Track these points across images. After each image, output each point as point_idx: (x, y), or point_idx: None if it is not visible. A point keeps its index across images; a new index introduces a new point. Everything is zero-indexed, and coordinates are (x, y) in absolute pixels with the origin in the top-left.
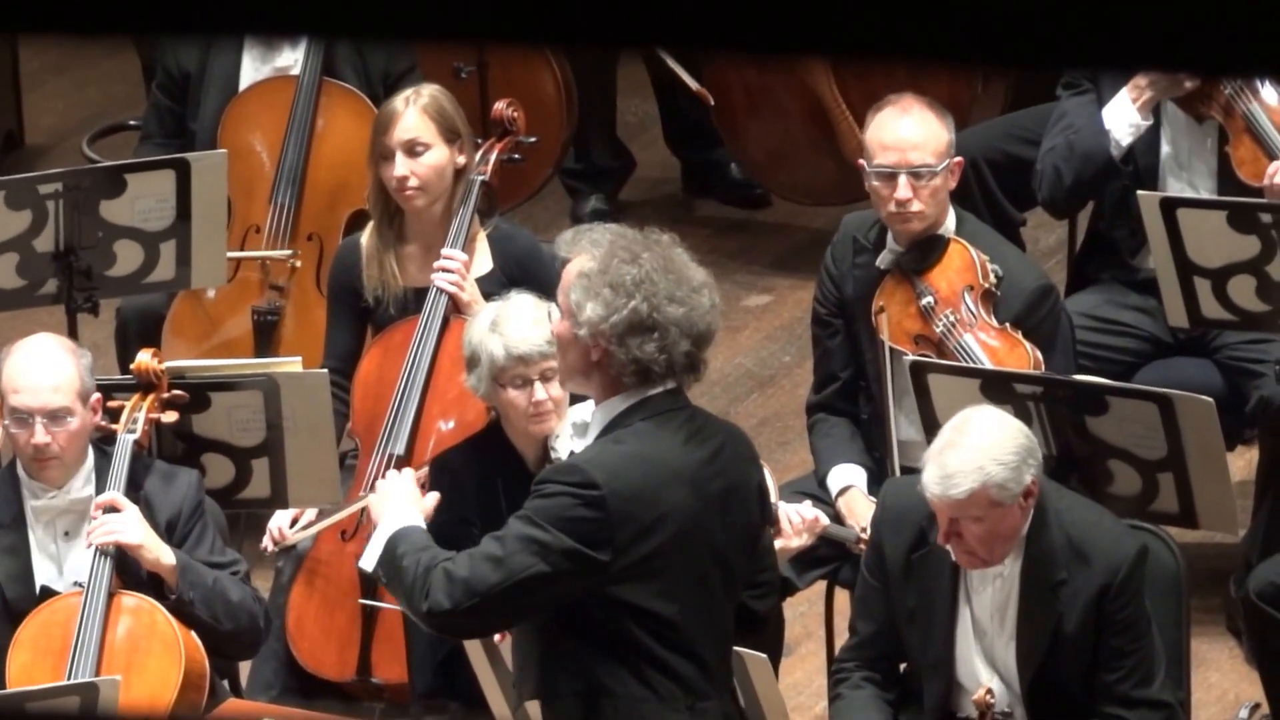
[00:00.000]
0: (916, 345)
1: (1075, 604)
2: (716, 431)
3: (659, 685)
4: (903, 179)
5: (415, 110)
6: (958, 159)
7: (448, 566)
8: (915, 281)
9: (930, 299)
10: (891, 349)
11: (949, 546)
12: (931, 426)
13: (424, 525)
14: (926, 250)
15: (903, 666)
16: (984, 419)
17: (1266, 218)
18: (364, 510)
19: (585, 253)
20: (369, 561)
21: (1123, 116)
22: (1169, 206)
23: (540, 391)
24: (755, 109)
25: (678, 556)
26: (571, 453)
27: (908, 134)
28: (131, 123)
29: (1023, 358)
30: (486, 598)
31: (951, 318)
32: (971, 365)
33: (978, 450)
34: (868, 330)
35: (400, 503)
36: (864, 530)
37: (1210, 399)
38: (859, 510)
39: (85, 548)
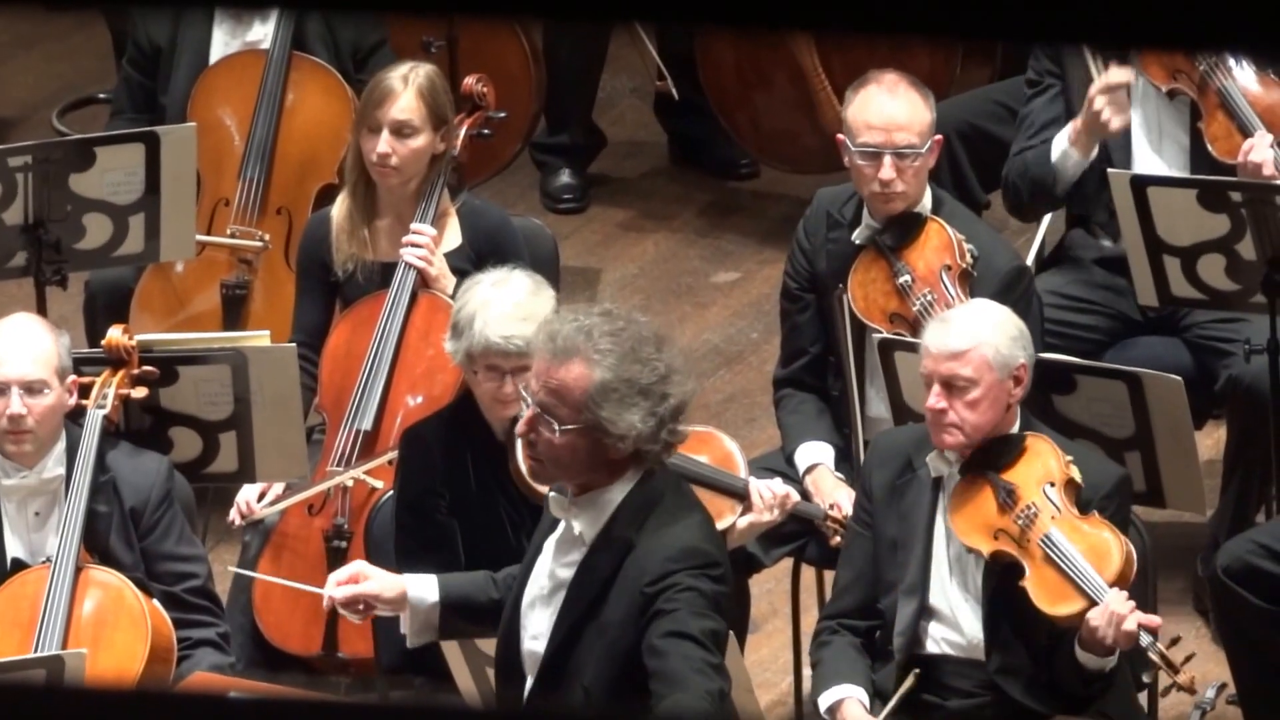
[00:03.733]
0: (891, 323)
1: None
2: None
3: None
4: (887, 159)
5: (412, 91)
6: (938, 136)
7: (710, 689)
8: (892, 259)
9: (908, 277)
10: (862, 325)
11: (932, 422)
12: (898, 405)
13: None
14: (904, 228)
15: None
16: (989, 304)
17: (1237, 196)
18: (331, 487)
19: (588, 359)
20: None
21: (1066, 156)
22: (1139, 185)
23: (509, 385)
24: (744, 77)
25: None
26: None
27: (894, 114)
28: (101, 96)
29: None
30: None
31: (930, 296)
32: None
33: (980, 318)
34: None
35: (402, 580)
36: (832, 507)
37: (1179, 378)
38: (826, 488)
39: (57, 526)
